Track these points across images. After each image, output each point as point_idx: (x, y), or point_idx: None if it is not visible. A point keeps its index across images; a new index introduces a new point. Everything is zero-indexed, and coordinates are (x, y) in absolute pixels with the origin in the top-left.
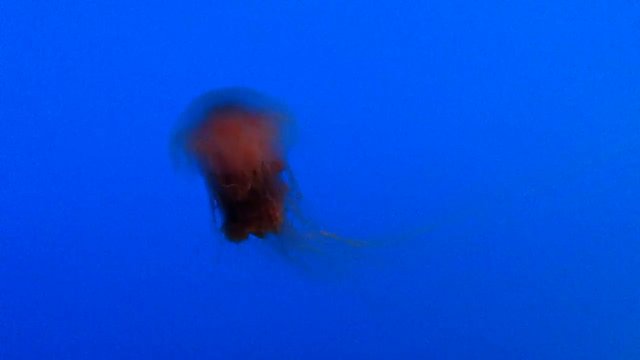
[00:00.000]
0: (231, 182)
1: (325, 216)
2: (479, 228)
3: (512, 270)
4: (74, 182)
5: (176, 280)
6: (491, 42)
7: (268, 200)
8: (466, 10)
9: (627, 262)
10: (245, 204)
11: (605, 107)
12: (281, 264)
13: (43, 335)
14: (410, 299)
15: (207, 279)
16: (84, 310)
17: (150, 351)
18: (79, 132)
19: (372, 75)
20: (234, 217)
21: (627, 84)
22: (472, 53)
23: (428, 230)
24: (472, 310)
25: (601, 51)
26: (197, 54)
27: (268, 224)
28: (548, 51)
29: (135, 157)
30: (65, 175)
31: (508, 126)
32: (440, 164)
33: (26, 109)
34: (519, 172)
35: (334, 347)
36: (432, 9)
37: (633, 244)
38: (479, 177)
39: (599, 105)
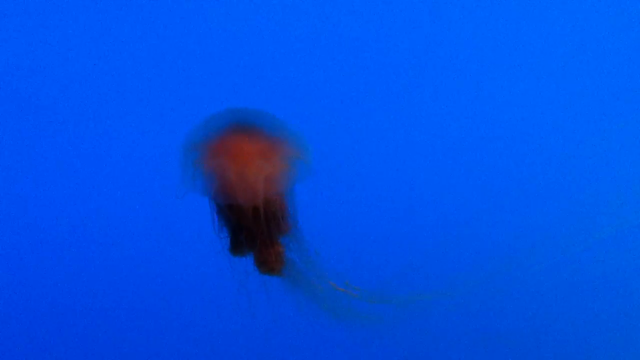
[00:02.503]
0: (232, 210)
1: (331, 260)
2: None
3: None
4: (82, 187)
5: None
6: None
7: (266, 238)
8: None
9: None
10: (248, 234)
11: None
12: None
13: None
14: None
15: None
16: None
17: None
18: (93, 137)
19: (403, 120)
20: (238, 241)
21: None
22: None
23: (434, 297)
24: None
25: None
26: (223, 69)
27: (265, 261)
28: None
29: (148, 165)
30: (74, 181)
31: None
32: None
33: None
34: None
35: None
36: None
37: None
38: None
39: None
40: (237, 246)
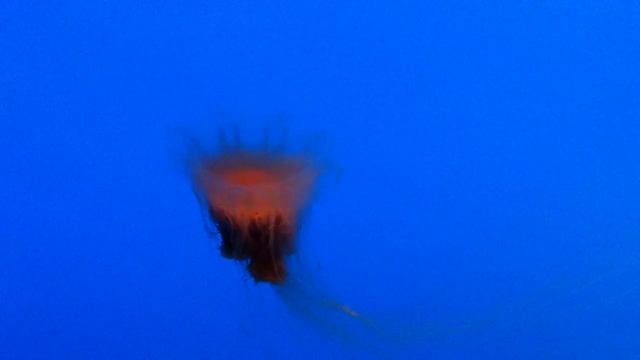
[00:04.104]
0: (227, 225)
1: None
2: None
3: None
4: (83, 189)
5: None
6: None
7: (266, 252)
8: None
9: None
10: (246, 246)
11: None
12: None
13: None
14: None
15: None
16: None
17: None
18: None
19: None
20: (230, 245)
21: None
22: None
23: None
24: None
25: None
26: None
27: (263, 273)
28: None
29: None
30: (74, 181)
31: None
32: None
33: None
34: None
35: None
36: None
37: None
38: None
39: None
40: (228, 249)
